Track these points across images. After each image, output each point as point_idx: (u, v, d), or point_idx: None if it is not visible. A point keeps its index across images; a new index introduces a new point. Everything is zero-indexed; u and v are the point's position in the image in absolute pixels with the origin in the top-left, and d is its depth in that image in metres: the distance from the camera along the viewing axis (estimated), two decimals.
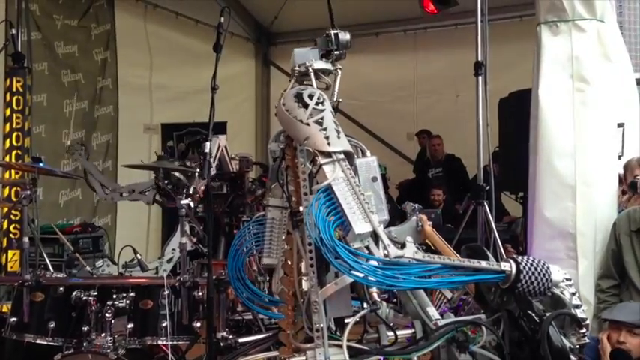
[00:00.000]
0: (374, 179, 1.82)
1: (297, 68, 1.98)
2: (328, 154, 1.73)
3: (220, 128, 6.08)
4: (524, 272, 1.65)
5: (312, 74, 1.95)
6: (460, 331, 1.75)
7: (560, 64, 3.69)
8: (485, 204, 4.78)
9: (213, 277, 2.89)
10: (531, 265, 1.66)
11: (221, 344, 2.81)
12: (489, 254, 1.89)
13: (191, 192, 3.40)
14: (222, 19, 3.08)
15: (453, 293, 2.12)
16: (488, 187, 4.93)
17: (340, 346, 1.67)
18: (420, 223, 2.23)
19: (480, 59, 4.87)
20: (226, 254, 4.10)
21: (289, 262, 1.90)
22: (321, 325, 1.68)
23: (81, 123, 6.77)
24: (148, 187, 3.73)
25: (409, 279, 1.58)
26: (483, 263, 1.67)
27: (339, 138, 1.76)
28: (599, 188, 3.65)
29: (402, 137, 8.61)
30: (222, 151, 4.15)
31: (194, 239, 3.58)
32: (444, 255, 2.14)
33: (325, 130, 1.75)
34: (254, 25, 8.93)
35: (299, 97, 1.81)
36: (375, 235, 1.63)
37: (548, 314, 1.72)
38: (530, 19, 5.11)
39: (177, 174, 3.47)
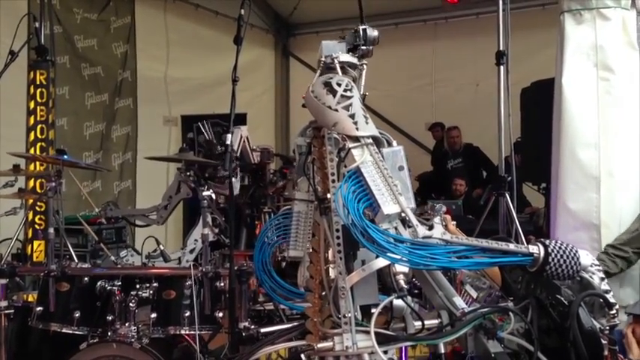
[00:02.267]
0: (400, 168, 1.84)
1: (323, 59, 1.99)
2: (356, 139, 1.75)
3: (241, 119, 6.11)
4: (553, 255, 1.65)
5: (337, 66, 1.96)
6: (488, 318, 1.75)
7: (585, 53, 3.64)
8: (507, 195, 4.75)
9: (235, 267, 2.91)
10: (560, 248, 1.66)
11: (243, 334, 2.83)
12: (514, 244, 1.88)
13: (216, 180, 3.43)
14: (242, 11, 3.08)
15: (478, 293, 2.11)
16: (510, 178, 4.90)
17: (367, 333, 1.68)
18: (444, 223, 2.23)
19: (501, 48, 4.82)
20: (248, 245, 4.14)
21: (316, 252, 1.91)
22: (349, 311, 1.70)
23: (101, 115, 6.85)
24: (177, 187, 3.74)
25: (440, 259, 1.59)
26: (511, 246, 1.68)
27: (367, 123, 1.78)
28: (624, 179, 3.60)
29: (421, 127, 8.57)
30: (243, 142, 4.17)
31: (216, 230, 3.61)
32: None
33: (353, 115, 1.77)
34: (273, 17, 8.92)
35: (327, 84, 1.82)
36: (402, 218, 1.64)
37: (576, 297, 1.72)
38: (552, 8, 5.03)
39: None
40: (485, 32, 5.57)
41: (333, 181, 1.79)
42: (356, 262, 1.78)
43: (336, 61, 1.97)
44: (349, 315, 1.70)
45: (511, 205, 4.74)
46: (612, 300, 1.75)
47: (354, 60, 2.01)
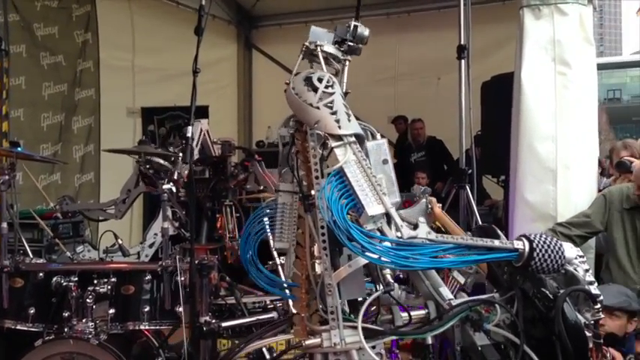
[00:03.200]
0: (384, 162, 1.83)
1: (307, 44, 1.96)
2: (339, 137, 1.73)
3: (202, 112, 6.03)
4: (538, 250, 1.66)
5: (320, 55, 1.94)
6: (474, 310, 1.77)
7: (543, 47, 3.70)
8: (467, 187, 4.81)
9: (196, 261, 2.88)
10: (544, 243, 1.67)
11: (204, 329, 2.80)
12: (501, 234, 1.89)
13: (175, 177, 3.37)
14: (203, 1, 3.04)
15: (466, 278, 2.12)
16: (470, 171, 4.96)
17: (355, 328, 1.70)
18: (429, 206, 2.23)
19: (462, 43, 4.87)
20: (209, 239, 4.10)
21: (302, 246, 1.90)
22: (336, 307, 1.71)
23: (60, 106, 6.67)
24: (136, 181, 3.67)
25: (423, 259, 1.60)
26: (496, 242, 1.69)
27: (349, 121, 1.76)
28: (579, 171, 3.69)
29: (383, 120, 8.60)
30: (204, 135, 4.12)
31: (176, 224, 3.56)
32: (454, 233, 2.18)
33: (335, 113, 1.75)
34: (235, 8, 8.82)
35: (308, 80, 1.79)
36: (387, 217, 1.64)
37: (562, 291, 1.73)
38: (513, 3, 5.10)
39: (159, 159, 3.42)
40: (448, 26, 5.61)
41: (317, 177, 1.77)
42: (342, 256, 1.78)
43: (319, 49, 1.95)
44: (337, 310, 1.71)
45: (471, 197, 4.80)
46: (596, 291, 1.77)
47: (338, 53, 1.98)
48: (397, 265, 1.59)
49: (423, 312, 1.88)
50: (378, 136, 1.92)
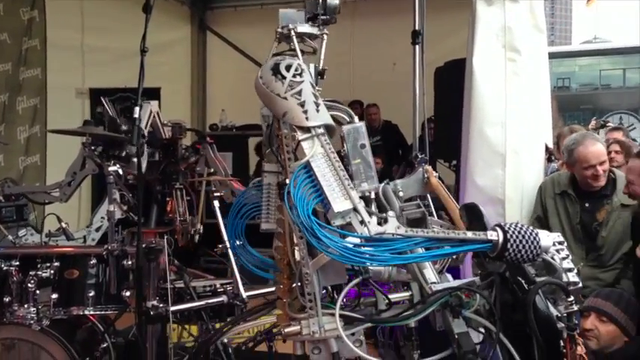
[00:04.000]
0: (362, 146, 1.78)
1: (280, 30, 1.90)
2: (307, 129, 1.69)
3: (153, 94, 5.90)
4: (512, 240, 1.61)
5: (294, 37, 1.89)
6: (454, 295, 1.74)
7: (494, 34, 3.74)
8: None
9: (144, 245, 2.82)
10: (519, 232, 1.63)
11: (151, 313, 2.75)
12: (484, 212, 1.88)
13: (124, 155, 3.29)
14: None
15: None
16: (423, 156, 4.99)
17: (334, 315, 1.67)
18: (426, 175, 2.21)
19: (417, 28, 4.88)
20: (159, 222, 4.01)
21: (282, 232, 1.87)
22: (314, 294, 1.69)
23: (4, 86, 6.42)
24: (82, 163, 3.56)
25: (383, 255, 1.56)
26: (469, 234, 1.65)
27: (317, 111, 1.70)
28: (528, 156, 3.76)
29: None
30: (154, 117, 4.02)
31: (124, 207, 3.47)
32: (449, 208, 2.14)
33: (303, 104, 1.70)
34: None
35: (276, 69, 1.73)
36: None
37: (533, 286, 1.70)
38: None
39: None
40: (403, 12, 5.61)
41: (290, 166, 1.73)
42: None
43: (292, 32, 1.89)
44: (315, 298, 1.70)
45: None
46: (574, 278, 1.73)
47: (314, 30, 1.93)
48: (356, 262, 1.57)
49: (407, 294, 1.86)
50: (356, 119, 1.86)
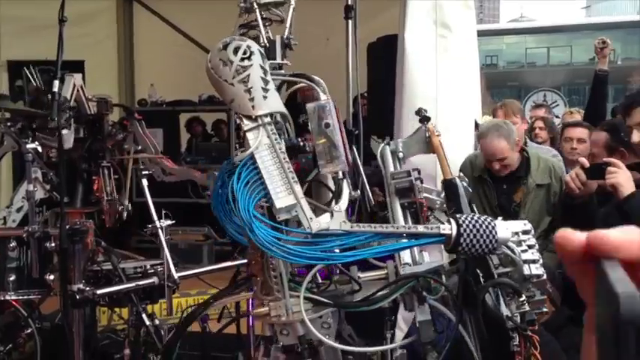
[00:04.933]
0: (326, 125, 1.68)
1: (242, 4, 1.81)
2: (253, 118, 1.61)
3: (77, 67, 5.63)
4: (466, 234, 1.53)
5: (257, 10, 1.79)
6: (423, 280, 1.68)
7: (425, 10, 3.77)
8: (354, 148, 4.86)
9: (68, 226, 2.70)
10: (474, 225, 1.54)
11: (77, 297, 2.64)
12: (460, 189, 1.86)
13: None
14: None
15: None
16: (357, 132, 5.01)
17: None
18: (427, 134, 2.15)
19: (349, 3, 4.85)
20: (85, 202, 3.86)
21: None
22: (281, 274, 1.65)
23: None
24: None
25: (315, 254, 1.52)
26: (420, 228, 1.58)
27: (265, 98, 1.61)
28: (459, 133, 3.82)
29: None
30: (77, 91, 3.83)
31: (47, 187, 3.31)
32: (444, 173, 2.14)
33: (250, 90, 1.60)
34: None
35: (223, 53, 1.62)
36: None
37: (481, 285, 1.65)
38: None
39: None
40: None
41: None
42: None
43: (255, 4, 1.79)
44: (282, 280, 1.66)
45: (357, 158, 4.85)
46: (537, 271, 1.64)
47: None
48: (291, 259, 1.53)
49: (382, 272, 1.81)
50: (322, 96, 1.77)
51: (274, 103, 1.64)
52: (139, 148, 3.44)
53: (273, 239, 1.49)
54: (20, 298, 2.75)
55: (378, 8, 6.92)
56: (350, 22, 4.90)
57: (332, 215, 1.56)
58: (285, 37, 1.86)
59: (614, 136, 3.28)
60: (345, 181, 1.74)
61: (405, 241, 1.61)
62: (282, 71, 1.84)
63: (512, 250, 1.61)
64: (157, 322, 2.98)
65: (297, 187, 1.55)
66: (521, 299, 1.61)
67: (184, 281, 3.03)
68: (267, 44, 1.82)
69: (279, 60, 1.85)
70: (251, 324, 2.98)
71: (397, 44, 3.95)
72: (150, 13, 8.32)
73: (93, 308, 3.11)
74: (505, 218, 3.48)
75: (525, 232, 1.62)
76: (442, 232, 1.54)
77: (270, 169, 1.56)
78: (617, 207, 2.59)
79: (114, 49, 8.40)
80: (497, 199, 3.63)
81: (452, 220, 1.56)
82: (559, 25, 24.18)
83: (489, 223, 1.54)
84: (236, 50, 1.62)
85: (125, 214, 3.31)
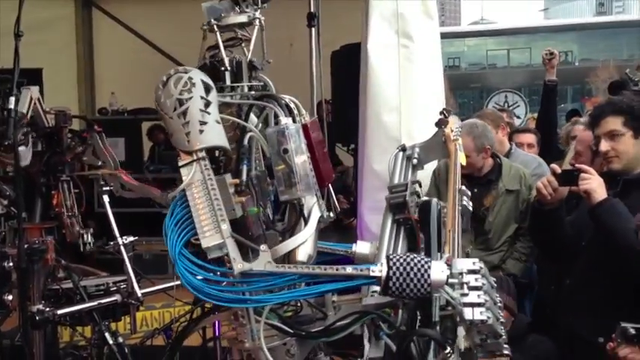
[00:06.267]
0: (284, 151, 1.63)
1: (205, 27, 1.76)
2: (188, 153, 1.58)
3: (35, 76, 5.50)
4: (395, 277, 1.44)
5: (217, 33, 1.75)
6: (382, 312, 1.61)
7: (387, 20, 3.79)
8: None
9: (26, 245, 2.63)
10: (405, 266, 1.45)
11: (37, 318, 2.58)
12: (433, 210, 1.71)
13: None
14: None
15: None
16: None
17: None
18: (443, 139, 2.08)
19: (312, 10, 4.87)
20: (44, 217, 3.77)
21: None
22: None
23: None
24: None
25: (237, 296, 1.50)
26: (349, 269, 1.51)
27: (201, 132, 1.57)
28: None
29: None
30: (35, 103, 3.74)
31: (4, 202, 3.23)
32: (449, 181, 1.94)
33: (186, 124, 1.58)
34: None
35: (165, 86, 1.61)
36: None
37: (404, 337, 1.53)
38: None
39: None
40: None
41: None
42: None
43: (215, 27, 1.74)
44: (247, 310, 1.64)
45: None
46: (482, 316, 1.41)
47: (242, 18, 1.78)
48: (220, 303, 1.52)
49: (358, 296, 1.73)
50: (282, 119, 1.68)
51: (212, 137, 1.60)
52: (99, 163, 3.37)
53: (194, 280, 1.48)
54: None
55: (341, 12, 6.94)
56: (313, 30, 4.92)
57: (258, 256, 1.53)
58: (249, 58, 1.80)
59: None
60: (314, 206, 1.68)
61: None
62: (252, 92, 1.79)
63: (450, 294, 1.44)
64: (120, 339, 2.92)
65: (225, 226, 1.52)
66: (447, 351, 1.46)
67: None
68: (229, 67, 1.76)
69: (245, 82, 1.78)
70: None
71: (360, 53, 3.97)
72: (110, 19, 8.17)
73: (54, 326, 3.03)
74: (473, 222, 3.53)
75: (472, 272, 1.44)
76: (371, 274, 1.47)
77: (200, 207, 1.54)
78: (589, 213, 2.63)
79: (73, 56, 8.22)
80: None
81: (384, 261, 1.48)
82: (518, 27, 24.65)
83: (423, 265, 1.44)
84: (176, 83, 1.60)
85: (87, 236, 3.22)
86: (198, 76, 1.62)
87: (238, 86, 1.77)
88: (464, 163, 2.44)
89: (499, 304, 1.47)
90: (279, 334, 1.66)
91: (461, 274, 1.42)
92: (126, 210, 3.79)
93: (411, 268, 1.44)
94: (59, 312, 2.60)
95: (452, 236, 1.63)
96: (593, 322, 2.61)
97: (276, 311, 1.67)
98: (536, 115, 6.77)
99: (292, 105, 1.77)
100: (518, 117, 11.56)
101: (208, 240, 1.50)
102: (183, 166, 1.58)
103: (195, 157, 1.58)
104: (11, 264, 2.73)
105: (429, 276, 1.43)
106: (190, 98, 1.59)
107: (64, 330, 3.66)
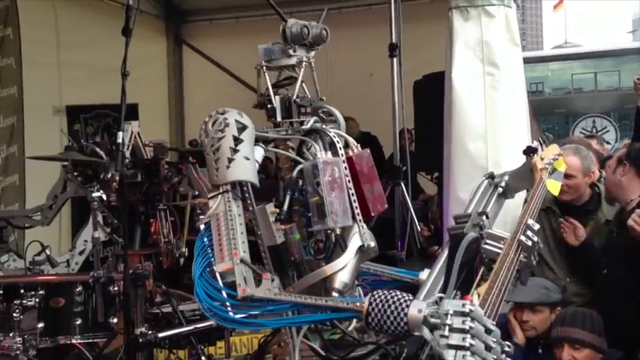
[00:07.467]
0: (317, 184, 1.77)
1: (257, 67, 1.95)
2: (216, 187, 1.73)
3: (132, 111, 5.84)
4: (374, 312, 1.46)
5: (265, 74, 1.93)
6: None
7: (472, 48, 3.80)
8: (402, 184, 4.90)
9: (130, 270, 2.80)
10: (384, 303, 1.47)
11: (140, 340, 2.72)
12: (463, 245, 1.66)
13: (106, 179, 3.28)
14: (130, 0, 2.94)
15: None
16: (404, 168, 5.05)
17: None
18: (554, 160, 2.11)
19: (394, 41, 4.94)
20: (143, 244, 3.98)
21: None
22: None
23: None
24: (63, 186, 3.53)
25: (237, 318, 1.59)
26: (338, 302, 1.58)
27: (228, 168, 1.71)
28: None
29: None
30: (135, 137, 4.00)
31: (108, 229, 3.44)
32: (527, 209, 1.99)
33: (217, 160, 1.72)
34: (163, 1, 8.60)
35: (205, 126, 1.77)
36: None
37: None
38: (440, 2, 5.20)
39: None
40: (378, 22, 5.68)
41: None
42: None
43: (264, 68, 1.93)
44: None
45: (406, 194, 4.89)
46: None
47: (291, 60, 1.94)
48: (225, 323, 1.62)
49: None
50: (319, 153, 1.83)
51: (237, 172, 1.72)
52: (196, 193, 3.54)
53: (208, 300, 1.58)
54: (85, 341, 2.84)
55: (422, 42, 6.97)
56: (395, 59, 4.99)
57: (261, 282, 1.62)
58: (295, 96, 1.95)
59: None
60: (353, 235, 1.79)
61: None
62: (286, 128, 1.95)
63: (426, 334, 1.40)
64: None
65: (245, 255, 1.63)
66: None
67: None
68: (274, 104, 1.92)
69: (279, 119, 1.94)
70: None
71: (443, 82, 3.99)
72: (198, 54, 8.59)
73: (151, 351, 3.18)
74: (570, 253, 3.37)
75: (460, 314, 1.35)
76: (355, 308, 1.52)
77: (221, 236, 1.65)
78: None
79: (165, 91, 8.68)
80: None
81: (369, 295, 1.51)
82: (605, 49, 23.72)
83: (402, 303, 1.44)
84: (213, 123, 1.75)
85: (182, 260, 3.40)
86: (233, 117, 1.76)
87: (284, 122, 1.93)
88: (555, 194, 2.40)
89: (497, 348, 1.37)
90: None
91: (446, 314, 1.36)
92: None
93: (389, 306, 1.46)
94: (160, 335, 2.73)
95: (497, 273, 1.59)
96: None
97: (320, 333, 1.77)
98: (628, 141, 6.46)
99: (336, 139, 1.89)
100: (608, 142, 11.07)
101: (220, 266, 1.62)
102: (211, 197, 1.72)
103: (221, 190, 1.71)
104: (115, 288, 2.90)
105: (405, 315, 1.43)
106: (223, 137, 1.73)
107: (159, 353, 3.82)
